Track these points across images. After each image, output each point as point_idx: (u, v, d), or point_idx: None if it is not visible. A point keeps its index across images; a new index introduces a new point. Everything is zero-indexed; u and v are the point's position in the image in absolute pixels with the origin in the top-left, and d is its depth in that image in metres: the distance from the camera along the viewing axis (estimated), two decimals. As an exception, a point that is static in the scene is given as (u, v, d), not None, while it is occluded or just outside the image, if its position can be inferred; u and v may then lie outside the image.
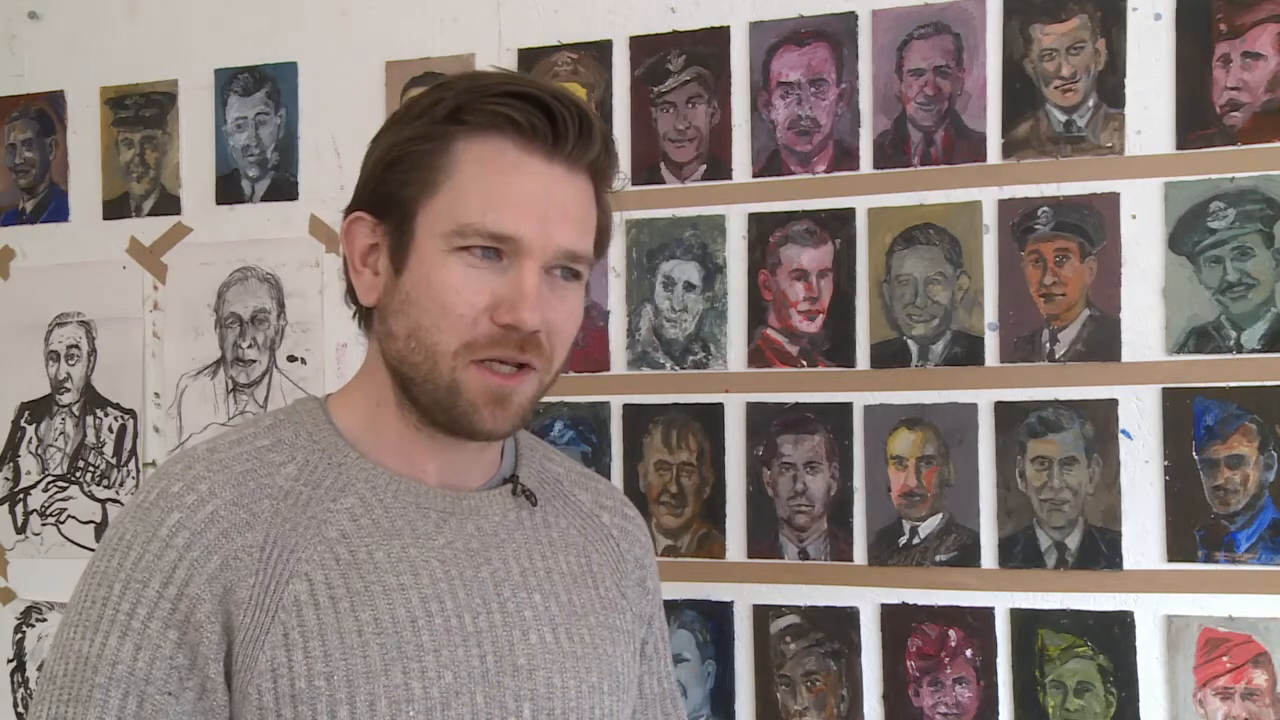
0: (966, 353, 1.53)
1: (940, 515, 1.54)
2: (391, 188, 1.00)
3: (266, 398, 1.82)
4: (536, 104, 0.97)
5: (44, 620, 1.91)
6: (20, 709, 1.93)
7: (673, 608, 1.62)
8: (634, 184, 1.67)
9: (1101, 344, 1.49)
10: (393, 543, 1.00)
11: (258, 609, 0.94)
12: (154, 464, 1.87)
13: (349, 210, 1.04)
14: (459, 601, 1.00)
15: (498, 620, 1.01)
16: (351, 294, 1.06)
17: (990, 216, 1.53)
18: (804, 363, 1.59)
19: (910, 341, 1.55)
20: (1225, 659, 1.43)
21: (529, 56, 1.72)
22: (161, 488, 0.97)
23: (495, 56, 1.72)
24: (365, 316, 1.06)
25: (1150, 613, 1.46)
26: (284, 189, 1.82)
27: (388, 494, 1.02)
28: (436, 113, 0.99)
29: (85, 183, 1.93)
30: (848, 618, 1.57)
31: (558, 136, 0.97)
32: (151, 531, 0.95)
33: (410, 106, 1.02)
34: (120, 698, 0.92)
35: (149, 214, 1.89)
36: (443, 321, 0.97)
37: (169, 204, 1.88)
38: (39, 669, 1.91)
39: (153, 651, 0.92)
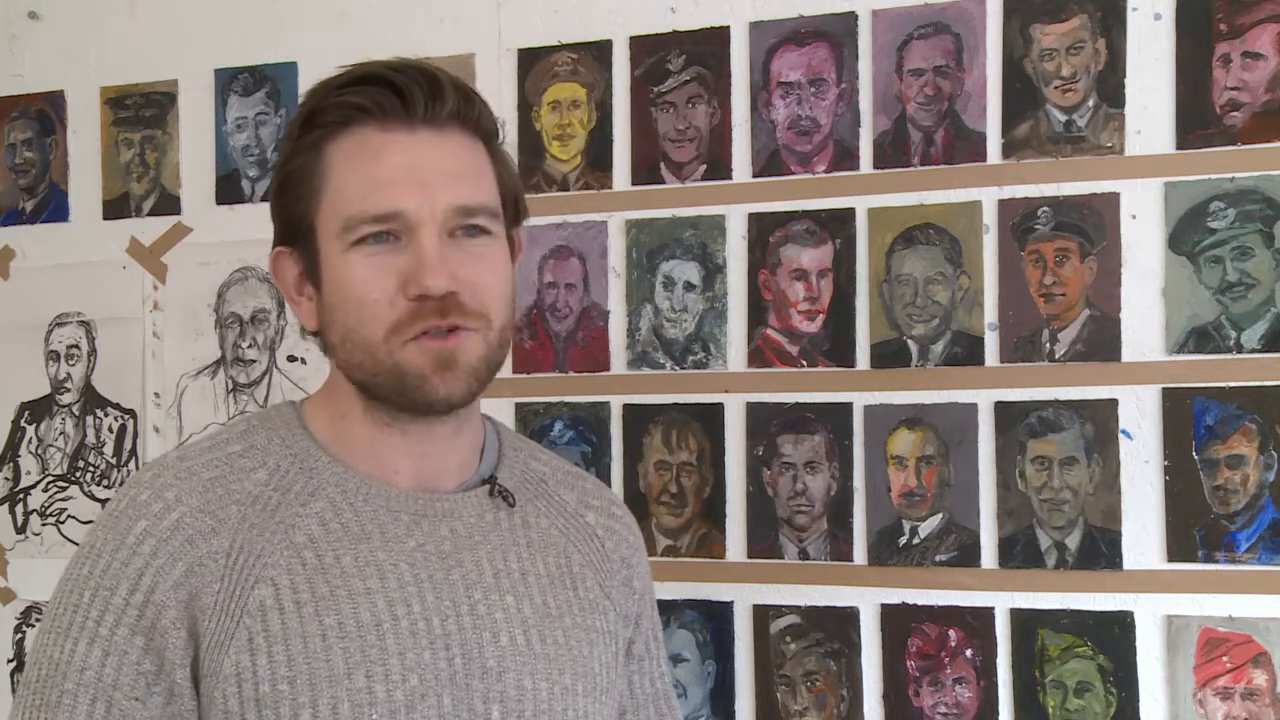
0: (966, 353, 1.53)
1: (940, 515, 1.54)
2: (289, 212, 1.03)
3: (266, 398, 1.83)
4: (378, 82, 0.99)
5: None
6: (20, 709, 1.93)
7: (673, 608, 1.62)
8: (634, 184, 1.67)
9: (1101, 344, 1.49)
10: (361, 546, 1.00)
11: (223, 614, 0.95)
12: (154, 464, 1.87)
13: (272, 249, 1.06)
14: (427, 604, 1.00)
15: (467, 623, 1.01)
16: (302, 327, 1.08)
17: (990, 216, 1.53)
18: (804, 363, 1.59)
19: (910, 341, 1.55)
20: (1225, 659, 1.43)
21: (529, 56, 1.72)
22: (130, 496, 0.98)
23: (495, 56, 1.72)
24: (321, 341, 1.08)
25: (1150, 613, 1.46)
26: (284, 189, 1.82)
27: (358, 497, 1.02)
28: (296, 128, 1.02)
29: (85, 183, 1.93)
30: (848, 618, 1.57)
31: (408, 105, 0.99)
32: (119, 539, 0.96)
33: (285, 134, 1.06)
34: (89, 703, 0.93)
35: (149, 214, 1.89)
36: (363, 314, 0.98)
37: (169, 204, 1.88)
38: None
39: (120, 658, 0.94)
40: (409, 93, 0.99)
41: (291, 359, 1.82)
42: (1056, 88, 1.51)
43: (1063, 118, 1.51)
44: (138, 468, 1.88)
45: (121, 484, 1.88)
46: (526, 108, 1.71)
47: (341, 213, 0.99)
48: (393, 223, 0.97)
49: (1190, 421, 1.45)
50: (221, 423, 1.83)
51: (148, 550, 0.95)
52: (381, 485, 1.03)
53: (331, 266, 1.00)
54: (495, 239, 1.03)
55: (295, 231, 1.03)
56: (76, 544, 1.89)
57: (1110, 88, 1.49)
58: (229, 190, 1.85)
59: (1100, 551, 1.48)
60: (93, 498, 1.90)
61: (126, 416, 1.89)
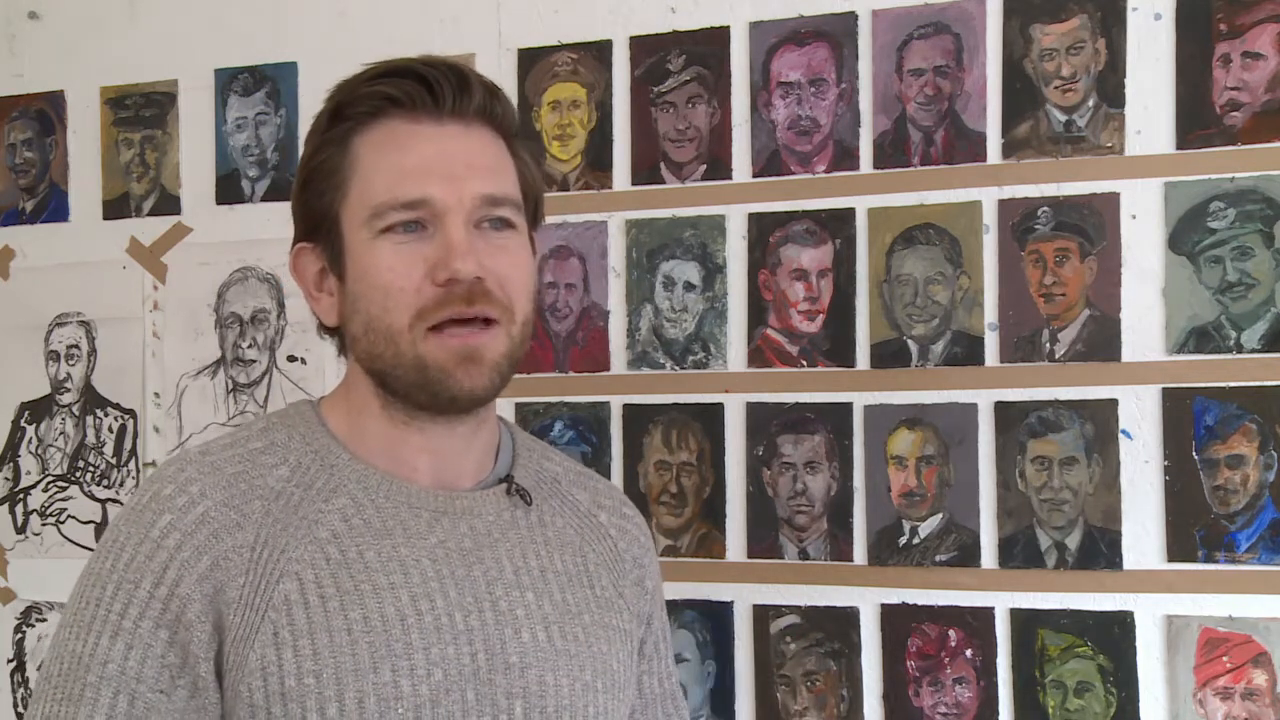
0: (966, 353, 1.53)
1: (940, 515, 1.54)
2: (312, 206, 1.04)
3: (266, 398, 1.83)
4: (408, 75, 1.00)
5: (44, 620, 1.91)
6: (20, 709, 1.93)
7: (673, 608, 1.62)
8: (634, 184, 1.67)
9: (1101, 344, 1.49)
10: (383, 542, 1.00)
11: (248, 608, 0.95)
12: (154, 464, 1.87)
13: (292, 247, 1.07)
14: (450, 600, 1.00)
15: (489, 619, 1.01)
16: (321, 325, 1.08)
17: (990, 216, 1.53)
18: (804, 363, 1.59)
19: (910, 341, 1.55)
20: (1225, 659, 1.43)
21: (529, 56, 1.72)
22: (154, 490, 0.99)
23: (495, 56, 1.72)
24: (339, 339, 1.08)
25: (1150, 613, 1.46)
26: (284, 189, 1.82)
27: (379, 494, 1.02)
28: (323, 121, 1.03)
29: (85, 183, 1.93)
30: (848, 618, 1.57)
31: (437, 97, 1.00)
32: (144, 533, 0.96)
33: (310, 131, 1.06)
34: (111, 696, 0.93)
35: (149, 214, 1.89)
36: (388, 302, 0.98)
37: (169, 204, 1.88)
38: (39, 668, 1.91)
39: (144, 651, 0.94)
40: (437, 85, 1.00)
41: (291, 359, 1.82)
42: (1056, 88, 1.51)
43: (1063, 118, 1.51)
44: (138, 468, 1.88)
45: (122, 484, 1.88)
46: (527, 108, 1.71)
47: (369, 202, 0.99)
48: (421, 210, 0.98)
49: (1190, 421, 1.45)
50: (221, 422, 1.83)
51: (172, 544, 0.95)
52: (402, 482, 1.03)
53: (357, 256, 1.00)
54: (519, 233, 1.04)
55: (318, 226, 1.03)
56: (76, 544, 1.91)
57: (1110, 88, 1.49)
58: (229, 190, 1.85)
59: (1100, 551, 1.48)
60: (92, 498, 1.90)
61: (126, 416, 1.89)
